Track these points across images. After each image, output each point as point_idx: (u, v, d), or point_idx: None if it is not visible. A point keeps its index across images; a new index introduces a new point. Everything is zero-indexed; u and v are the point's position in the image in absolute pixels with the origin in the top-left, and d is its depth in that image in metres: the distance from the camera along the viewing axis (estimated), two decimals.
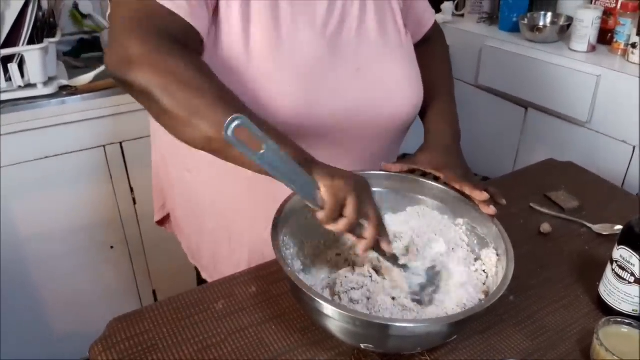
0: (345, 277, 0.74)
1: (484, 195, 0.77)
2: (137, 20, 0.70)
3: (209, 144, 0.67)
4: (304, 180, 0.63)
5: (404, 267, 0.76)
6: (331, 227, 0.66)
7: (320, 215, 0.65)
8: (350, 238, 0.70)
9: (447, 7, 2.18)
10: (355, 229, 0.67)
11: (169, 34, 0.70)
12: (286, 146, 0.67)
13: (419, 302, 0.73)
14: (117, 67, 0.68)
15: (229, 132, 0.54)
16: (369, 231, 0.67)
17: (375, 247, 0.70)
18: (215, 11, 0.78)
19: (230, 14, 0.78)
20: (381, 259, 0.75)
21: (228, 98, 0.69)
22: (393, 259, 0.75)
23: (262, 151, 0.57)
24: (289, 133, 0.71)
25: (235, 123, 0.54)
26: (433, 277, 0.77)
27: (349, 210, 0.65)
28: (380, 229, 0.68)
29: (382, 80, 0.88)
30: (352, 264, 0.79)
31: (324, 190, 0.64)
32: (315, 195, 0.64)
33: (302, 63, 0.81)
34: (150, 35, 0.69)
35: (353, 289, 0.72)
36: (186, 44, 0.72)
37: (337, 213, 0.65)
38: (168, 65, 0.67)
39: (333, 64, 0.83)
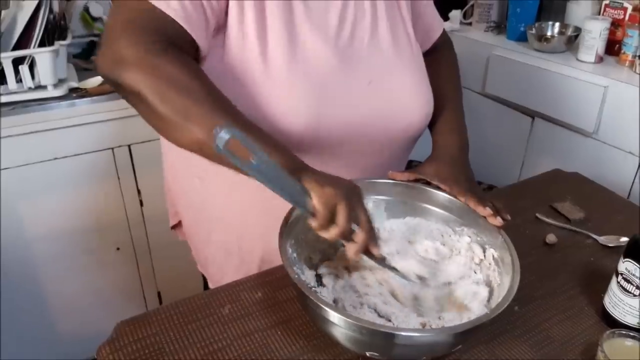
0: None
1: (487, 212, 0.78)
2: (131, 21, 0.70)
3: (200, 148, 0.68)
4: (295, 190, 0.64)
5: (394, 270, 0.77)
6: (323, 235, 0.67)
7: (313, 223, 0.66)
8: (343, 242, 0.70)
9: (455, 15, 2.18)
10: (346, 234, 0.67)
11: (164, 36, 0.70)
12: (278, 152, 0.67)
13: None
14: (109, 68, 0.68)
15: (219, 144, 0.55)
16: (359, 236, 0.68)
17: (365, 251, 0.71)
18: (224, 29, 0.78)
19: (246, 30, 0.78)
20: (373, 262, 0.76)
21: (222, 103, 0.69)
22: (382, 261, 0.76)
23: (252, 161, 0.57)
24: (301, 143, 0.71)
25: (226, 136, 0.55)
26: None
27: (340, 218, 0.65)
28: (370, 233, 0.69)
29: (394, 92, 0.88)
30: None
31: (315, 199, 0.64)
32: (306, 204, 0.65)
33: (315, 74, 0.81)
34: (144, 36, 0.68)
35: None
36: (181, 48, 0.71)
37: (328, 220, 0.65)
38: (161, 66, 0.67)
39: (345, 76, 0.84)
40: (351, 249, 0.69)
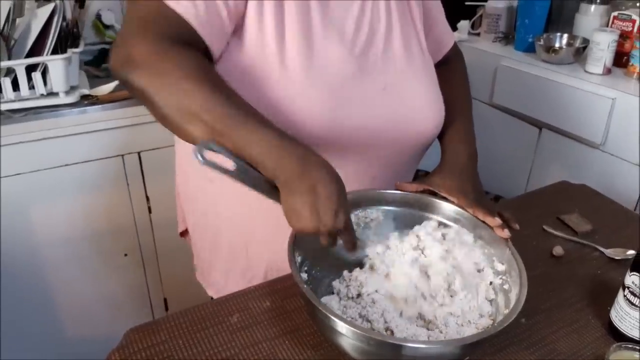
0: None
1: (496, 222, 0.78)
2: (144, 21, 0.71)
3: None
4: (272, 196, 0.70)
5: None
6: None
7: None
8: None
9: (463, 25, 2.19)
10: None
11: (174, 36, 0.71)
12: (274, 149, 0.68)
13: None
14: (119, 67, 0.70)
15: (200, 158, 0.62)
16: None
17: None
18: (241, 32, 0.80)
19: (264, 29, 0.79)
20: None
21: (221, 97, 0.69)
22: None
23: (232, 169, 0.66)
24: (314, 146, 0.72)
25: (205, 151, 0.62)
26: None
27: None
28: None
29: (407, 100, 0.89)
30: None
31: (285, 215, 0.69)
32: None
33: (332, 79, 0.82)
34: (154, 36, 0.70)
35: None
36: (190, 46, 0.72)
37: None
38: (164, 66, 0.68)
39: (361, 82, 0.85)
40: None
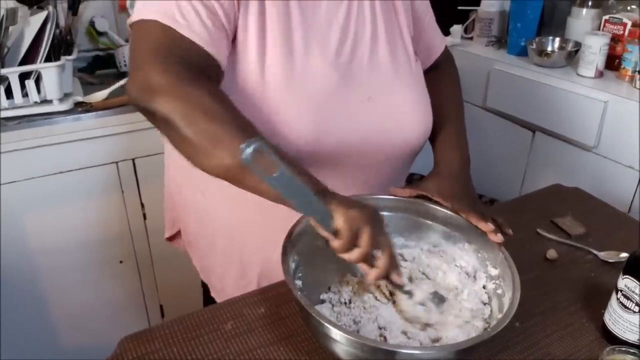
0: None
1: (489, 227, 0.79)
2: (158, 49, 0.72)
3: (226, 172, 0.68)
4: (318, 208, 0.65)
5: (409, 293, 0.77)
6: (346, 257, 0.67)
7: (335, 244, 0.66)
8: (361, 267, 0.70)
9: (456, 30, 2.20)
10: (368, 258, 0.68)
11: (191, 63, 0.71)
12: (301, 175, 0.67)
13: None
14: (139, 96, 0.70)
15: (247, 154, 0.55)
16: (381, 261, 0.68)
17: (385, 276, 0.71)
18: (233, 42, 0.80)
19: (247, 45, 0.80)
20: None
21: (247, 128, 0.69)
22: (400, 287, 0.76)
23: (277, 175, 0.58)
24: (301, 160, 0.72)
25: (253, 146, 0.55)
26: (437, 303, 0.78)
27: (364, 240, 0.65)
28: (393, 260, 0.70)
29: (392, 109, 0.90)
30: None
31: (339, 220, 0.65)
32: (330, 224, 0.65)
33: (315, 93, 0.82)
34: (172, 64, 0.70)
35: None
36: (206, 74, 0.73)
37: (352, 242, 0.66)
38: (190, 94, 0.68)
39: (345, 92, 0.85)
40: (371, 274, 0.69)
